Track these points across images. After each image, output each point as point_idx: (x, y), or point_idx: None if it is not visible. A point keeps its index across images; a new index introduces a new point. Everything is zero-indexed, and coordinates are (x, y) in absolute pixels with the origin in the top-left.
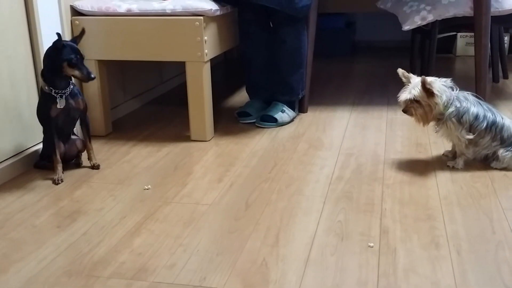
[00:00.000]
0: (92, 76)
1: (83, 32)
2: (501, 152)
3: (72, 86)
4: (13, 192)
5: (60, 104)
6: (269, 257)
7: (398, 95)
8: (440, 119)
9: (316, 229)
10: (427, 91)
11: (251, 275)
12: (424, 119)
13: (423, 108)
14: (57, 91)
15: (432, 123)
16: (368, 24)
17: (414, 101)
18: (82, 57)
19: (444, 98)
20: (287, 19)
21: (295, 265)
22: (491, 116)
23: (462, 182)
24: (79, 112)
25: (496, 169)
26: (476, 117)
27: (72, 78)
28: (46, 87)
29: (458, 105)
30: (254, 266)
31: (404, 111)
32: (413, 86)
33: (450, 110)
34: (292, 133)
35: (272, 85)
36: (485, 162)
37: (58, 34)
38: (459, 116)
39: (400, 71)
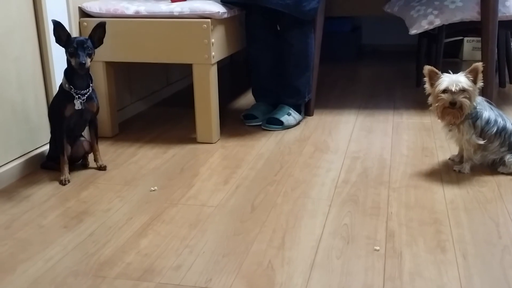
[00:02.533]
0: (82, 62)
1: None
2: (508, 157)
3: (91, 89)
4: (20, 193)
5: (77, 105)
6: (274, 260)
7: (440, 88)
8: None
9: (322, 232)
10: (476, 75)
11: (256, 277)
12: (462, 114)
13: (469, 98)
14: (76, 91)
15: (442, 124)
16: (374, 28)
17: (462, 91)
18: (84, 48)
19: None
20: (294, 22)
21: (300, 268)
22: (501, 121)
23: (468, 187)
24: (91, 114)
25: (502, 174)
26: (488, 121)
27: (92, 80)
28: (67, 85)
29: (478, 107)
30: (260, 268)
31: (453, 103)
32: (453, 78)
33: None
34: (298, 136)
35: (279, 88)
36: (492, 167)
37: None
38: (475, 119)
39: (427, 67)
